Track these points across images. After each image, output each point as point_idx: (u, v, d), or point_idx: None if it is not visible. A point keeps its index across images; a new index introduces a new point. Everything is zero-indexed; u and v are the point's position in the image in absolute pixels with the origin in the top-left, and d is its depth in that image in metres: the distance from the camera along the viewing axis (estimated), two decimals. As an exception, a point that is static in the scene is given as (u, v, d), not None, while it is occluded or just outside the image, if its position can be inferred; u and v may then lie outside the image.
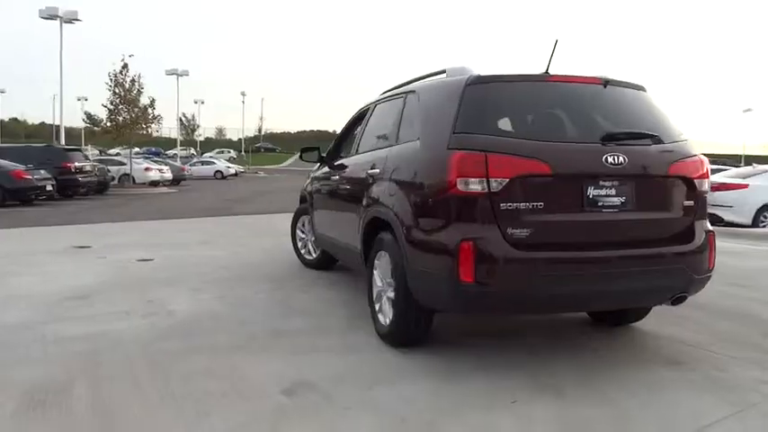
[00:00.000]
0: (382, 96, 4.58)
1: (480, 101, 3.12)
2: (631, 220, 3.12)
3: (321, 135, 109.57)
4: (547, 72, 3.36)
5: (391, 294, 3.54)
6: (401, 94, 4.06)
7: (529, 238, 2.92)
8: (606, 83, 3.31)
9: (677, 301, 3.28)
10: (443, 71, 3.70)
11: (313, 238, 6.03)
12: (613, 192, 3.05)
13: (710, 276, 3.34)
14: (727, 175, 11.79)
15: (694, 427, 2.59)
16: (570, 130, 3.17)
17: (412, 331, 3.48)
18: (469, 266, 2.86)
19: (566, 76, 3.28)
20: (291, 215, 6.60)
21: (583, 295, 3.04)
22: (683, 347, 3.66)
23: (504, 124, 3.17)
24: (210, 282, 5.46)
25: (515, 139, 3.02)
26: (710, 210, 7.32)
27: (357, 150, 4.61)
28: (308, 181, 6.14)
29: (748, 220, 10.14)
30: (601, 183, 3.03)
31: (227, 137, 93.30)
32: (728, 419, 2.66)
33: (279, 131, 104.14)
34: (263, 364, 3.35)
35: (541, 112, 3.25)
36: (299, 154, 5.81)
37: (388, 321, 3.60)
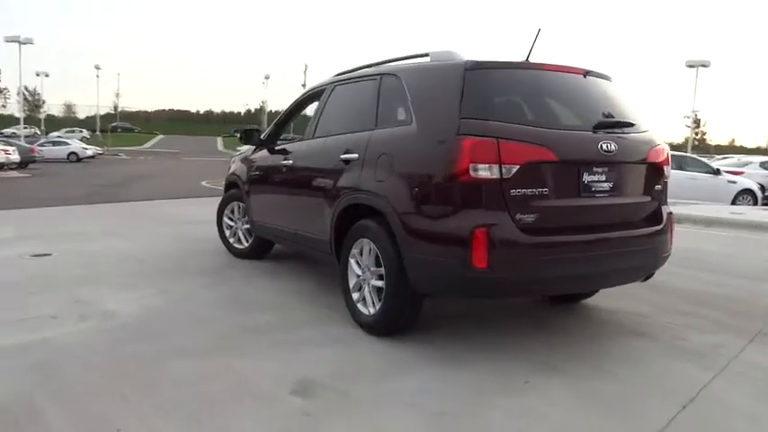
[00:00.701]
0: (341, 78, 4.40)
1: (481, 86, 3.12)
2: (618, 204, 3.32)
3: (180, 115, 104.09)
4: (527, 60, 3.44)
5: (378, 283, 3.46)
6: (372, 76, 3.94)
7: (534, 223, 2.99)
8: (586, 73, 3.47)
9: (647, 277, 3.56)
10: (426, 54, 3.65)
11: (245, 227, 5.72)
12: (603, 177, 3.22)
13: (670, 255, 3.65)
14: None
15: (694, 389, 2.85)
16: (565, 119, 3.28)
17: (402, 319, 3.43)
18: (483, 252, 2.87)
19: (556, 65, 3.37)
20: (186, 201, 6.17)
21: (582, 276, 3.19)
22: (637, 319, 3.98)
23: (507, 111, 3.19)
24: (137, 277, 4.96)
25: (523, 126, 3.06)
26: None
27: (314, 134, 4.41)
28: (237, 166, 5.79)
29: None
30: (594, 169, 3.18)
31: (77, 115, 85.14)
32: (716, 380, 2.96)
33: (135, 110, 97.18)
34: (255, 363, 3.12)
35: (538, 100, 3.32)
36: (235, 135, 5.46)
37: (372, 311, 3.52)
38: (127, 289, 4.56)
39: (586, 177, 3.16)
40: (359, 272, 3.67)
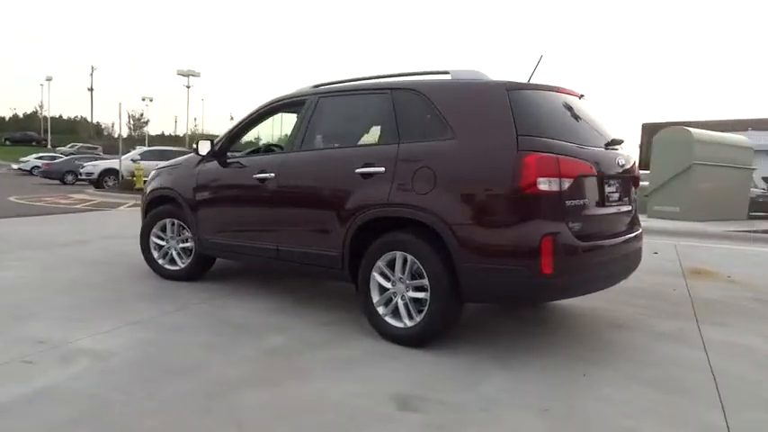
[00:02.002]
0: (328, 90, 4.32)
1: (524, 105, 3.39)
2: (623, 212, 3.83)
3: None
4: (529, 83, 3.79)
5: (418, 294, 3.52)
6: (379, 90, 3.98)
7: (580, 230, 3.33)
8: (581, 95, 3.94)
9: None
10: (446, 72, 3.81)
11: (181, 246, 5.24)
12: (614, 189, 3.70)
13: None
14: None
15: (706, 366, 3.42)
16: (586, 137, 3.67)
17: (446, 327, 3.54)
18: (550, 259, 3.13)
19: (566, 88, 3.77)
20: (21, 220, 5.49)
21: (609, 276, 3.62)
22: (608, 313, 4.54)
23: (548, 128, 3.46)
24: (79, 309, 4.29)
25: (568, 143, 3.38)
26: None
27: (301, 147, 4.27)
28: (169, 179, 5.29)
29: None
30: (611, 181, 3.64)
31: None
32: (713, 358, 3.56)
33: None
34: (332, 385, 2.99)
35: (561, 119, 3.64)
36: (194, 146, 4.94)
37: (410, 322, 3.56)
38: (83, 323, 3.93)
39: (607, 189, 3.61)
40: (387, 285, 3.67)
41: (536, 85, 3.62)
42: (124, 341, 3.60)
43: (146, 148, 23.44)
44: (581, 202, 3.37)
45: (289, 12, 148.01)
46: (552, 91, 3.67)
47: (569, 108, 3.70)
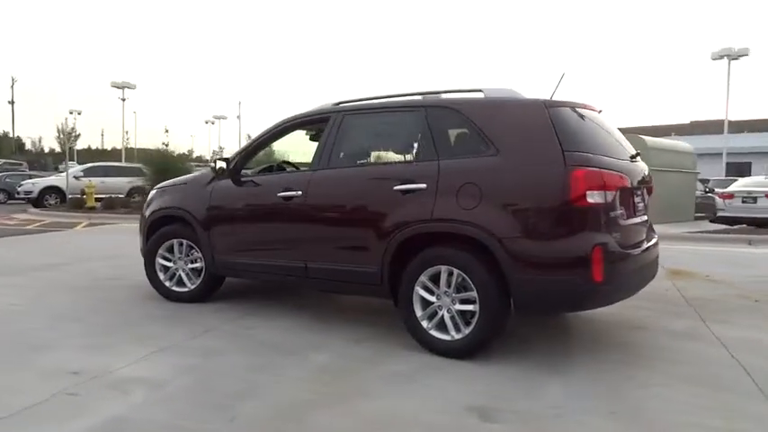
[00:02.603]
0: (353, 107, 4.37)
1: (563, 122, 3.55)
2: (645, 221, 4.05)
3: None
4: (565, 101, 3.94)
5: (467, 306, 3.60)
6: (411, 107, 4.07)
7: (619, 240, 3.52)
8: (600, 110, 4.15)
9: None
10: (479, 90, 3.93)
11: (190, 266, 5.11)
12: (639, 199, 3.92)
13: None
14: None
15: (733, 361, 3.66)
16: (616, 150, 3.86)
17: (495, 337, 3.63)
18: (600, 268, 3.30)
19: (590, 104, 3.96)
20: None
21: (640, 283, 3.83)
22: (618, 317, 4.77)
23: (586, 143, 3.62)
24: (96, 336, 4.13)
25: (605, 157, 3.56)
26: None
27: (329, 164, 4.28)
28: (176, 197, 5.16)
29: None
30: (637, 192, 3.86)
31: None
32: (736, 353, 3.82)
33: None
34: (403, 402, 3.03)
35: (595, 134, 3.81)
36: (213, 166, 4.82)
37: (457, 335, 3.64)
38: (106, 350, 3.80)
39: (635, 200, 3.83)
40: (431, 299, 3.74)
41: (569, 102, 3.79)
42: (167, 368, 3.50)
43: (89, 165, 22.42)
44: (619, 212, 3.56)
45: (223, 25, 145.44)
46: (580, 107, 3.85)
47: (597, 123, 3.89)
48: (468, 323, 3.62)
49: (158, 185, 5.63)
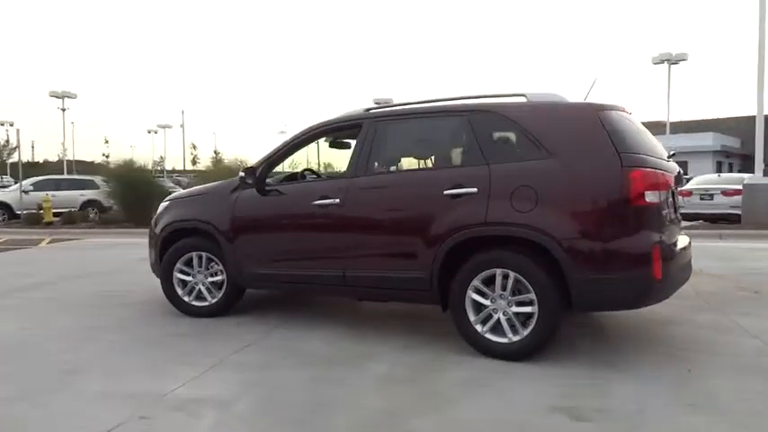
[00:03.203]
0: (388, 113, 4.34)
1: (613, 124, 3.63)
2: (679, 221, 4.17)
3: None
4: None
5: (525, 309, 3.62)
6: (457, 112, 4.08)
7: (667, 238, 3.63)
8: (630, 113, 4.27)
9: None
10: (522, 95, 3.98)
11: (210, 280, 4.94)
12: (675, 199, 4.05)
13: None
14: None
15: (761, 343, 3.84)
16: (657, 151, 3.96)
17: (553, 338, 3.67)
18: (659, 265, 3.39)
19: (623, 107, 4.06)
20: None
21: (683, 280, 3.93)
22: (645, 312, 4.80)
23: (635, 145, 3.68)
24: (123, 357, 3.95)
25: (654, 158, 3.66)
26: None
27: (367, 171, 4.23)
28: (195, 209, 4.99)
29: None
30: (674, 192, 3.98)
31: None
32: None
33: None
34: (478, 407, 3.02)
35: (639, 135, 3.86)
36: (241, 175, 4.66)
37: (515, 337, 3.65)
38: (148, 371, 3.65)
39: (674, 199, 3.95)
40: (486, 302, 3.74)
41: (613, 105, 3.87)
42: (226, 385, 3.37)
43: (40, 178, 21.35)
44: (667, 211, 3.68)
45: (164, 32, 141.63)
46: (620, 110, 3.96)
47: (637, 125, 4.00)
48: (524, 325, 3.64)
49: (170, 197, 5.43)
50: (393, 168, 4.27)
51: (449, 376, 3.49)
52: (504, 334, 3.70)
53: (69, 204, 18.69)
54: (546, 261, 3.56)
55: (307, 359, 3.83)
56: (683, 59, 30.25)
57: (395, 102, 4.44)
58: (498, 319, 3.71)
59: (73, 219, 15.03)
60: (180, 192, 5.50)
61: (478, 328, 3.76)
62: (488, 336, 3.74)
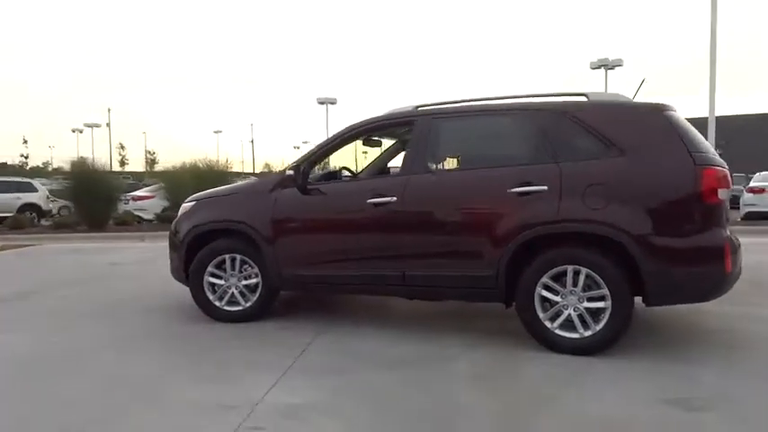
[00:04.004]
0: (444, 111, 4.32)
1: (679, 124, 3.76)
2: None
3: None
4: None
5: (596, 304, 3.68)
6: (521, 110, 4.11)
7: (730, 233, 3.80)
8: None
9: None
10: (583, 94, 4.05)
11: (244, 283, 4.74)
12: None
13: None
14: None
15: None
16: (712, 150, 4.10)
17: (623, 333, 3.75)
18: (729, 259, 3.55)
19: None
20: None
21: (739, 274, 4.07)
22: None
23: (700, 144, 3.79)
24: (183, 366, 3.74)
25: (716, 156, 3.82)
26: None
27: (425, 169, 4.19)
28: (228, 210, 4.79)
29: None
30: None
31: None
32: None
33: None
34: (588, 404, 3.05)
35: (698, 136, 3.93)
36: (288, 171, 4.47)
37: (586, 332, 3.71)
38: (221, 380, 3.46)
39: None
40: (556, 298, 3.79)
41: (672, 106, 3.98)
42: (315, 392, 3.24)
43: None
44: (728, 208, 3.85)
45: (90, 27, 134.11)
46: (676, 111, 4.09)
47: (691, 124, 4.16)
48: (596, 320, 3.71)
49: (194, 197, 5.18)
50: (451, 166, 4.24)
51: (530, 373, 3.50)
52: (574, 329, 3.75)
53: (4, 209, 17.52)
54: (619, 257, 3.63)
55: (378, 361, 3.73)
56: (619, 65, 31.73)
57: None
58: (569, 315, 3.76)
59: (21, 223, 14.07)
60: (205, 192, 5.24)
61: (548, 324, 3.80)
62: (558, 331, 3.78)
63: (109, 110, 61.68)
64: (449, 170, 4.22)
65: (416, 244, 4.15)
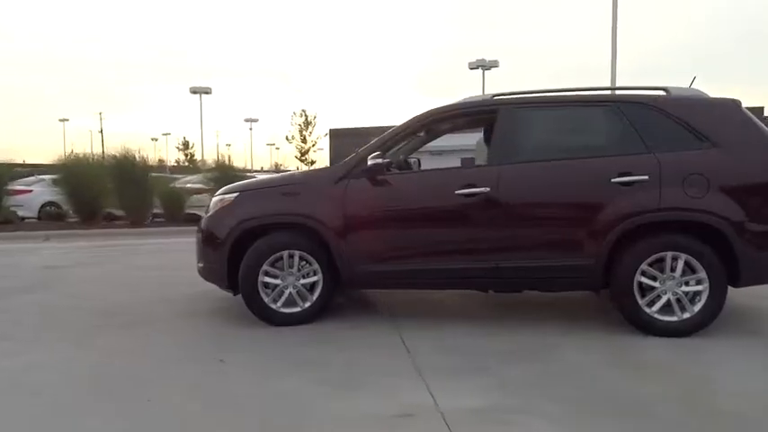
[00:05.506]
0: (528, 101, 4.29)
1: (754, 119, 4.08)
2: None
3: None
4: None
5: (695, 287, 3.87)
6: (608, 103, 4.19)
7: None
8: None
9: None
10: (663, 88, 4.22)
11: (302, 282, 4.34)
12: None
13: None
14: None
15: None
16: None
17: (718, 314, 3.97)
18: None
19: None
20: None
21: None
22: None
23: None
24: (301, 374, 3.36)
25: None
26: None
27: (517, 159, 4.13)
28: (288, 203, 4.36)
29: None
30: None
31: None
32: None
33: None
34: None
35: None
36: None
37: (685, 314, 3.90)
38: (364, 387, 3.15)
39: None
40: (654, 284, 3.93)
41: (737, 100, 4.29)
42: (487, 392, 3.05)
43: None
44: None
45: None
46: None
47: None
48: (693, 303, 3.91)
49: (232, 188, 4.62)
50: (545, 156, 4.20)
51: (650, 358, 3.59)
52: (672, 313, 3.92)
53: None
54: (717, 242, 3.86)
55: (502, 356, 3.60)
56: (495, 66, 33.71)
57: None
58: (668, 300, 3.92)
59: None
60: (244, 183, 4.68)
61: (646, 309, 3.94)
62: (656, 315, 3.93)
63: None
64: (542, 160, 4.18)
65: (513, 235, 4.08)
